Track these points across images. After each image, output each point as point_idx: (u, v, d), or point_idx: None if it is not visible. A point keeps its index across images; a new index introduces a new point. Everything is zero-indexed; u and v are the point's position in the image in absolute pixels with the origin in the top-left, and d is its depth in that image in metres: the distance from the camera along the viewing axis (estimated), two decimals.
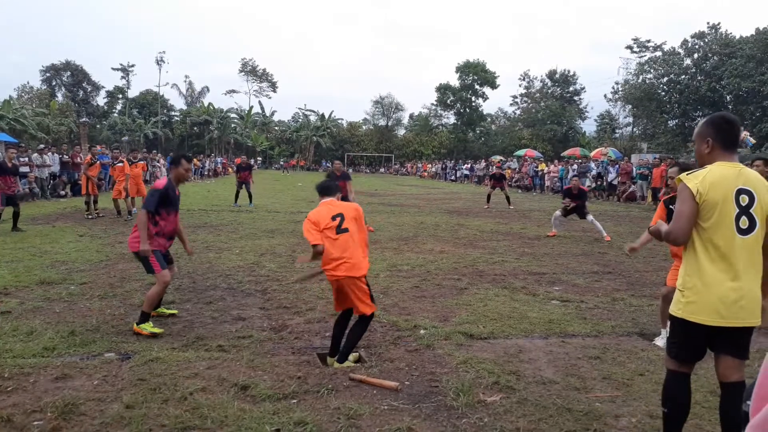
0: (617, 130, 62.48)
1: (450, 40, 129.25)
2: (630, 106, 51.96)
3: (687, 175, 2.85)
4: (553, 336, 5.25)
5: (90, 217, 14.16)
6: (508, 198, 20.28)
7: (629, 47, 50.90)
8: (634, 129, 56.07)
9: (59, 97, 66.88)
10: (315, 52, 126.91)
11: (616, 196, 24.97)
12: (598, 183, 26.89)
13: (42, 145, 25.03)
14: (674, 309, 2.91)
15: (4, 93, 55.78)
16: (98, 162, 16.54)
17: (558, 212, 12.51)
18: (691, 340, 2.88)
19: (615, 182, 25.41)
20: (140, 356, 4.44)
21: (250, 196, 18.54)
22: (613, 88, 55.39)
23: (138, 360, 4.37)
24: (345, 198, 13.76)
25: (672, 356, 2.99)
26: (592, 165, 28.86)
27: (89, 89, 72.01)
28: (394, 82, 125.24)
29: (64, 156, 22.13)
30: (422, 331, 5.23)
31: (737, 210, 2.78)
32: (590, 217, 12.09)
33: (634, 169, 25.08)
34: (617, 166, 25.95)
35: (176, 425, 3.33)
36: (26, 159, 19.47)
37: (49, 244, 9.84)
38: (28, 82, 67.64)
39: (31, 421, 3.36)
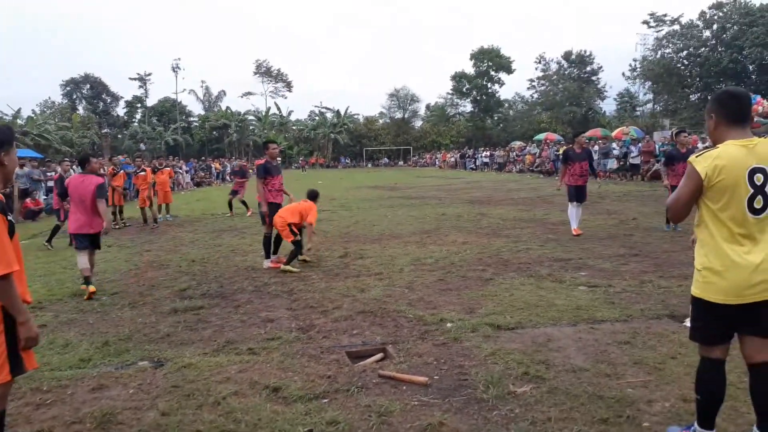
0: (638, 108, 61.41)
1: (463, 27, 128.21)
2: (649, 83, 50.99)
3: (696, 156, 2.81)
4: (582, 323, 5.21)
5: (117, 227, 14.41)
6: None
7: (646, 22, 49.84)
8: (655, 106, 55.03)
9: (80, 110, 68.11)
10: (326, 48, 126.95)
11: (640, 176, 24.60)
12: (621, 163, 26.51)
13: (67, 160, 25.52)
14: (694, 290, 2.88)
15: (27, 109, 57.13)
16: (122, 171, 16.83)
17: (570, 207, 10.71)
18: (713, 321, 2.83)
19: (638, 162, 25.02)
20: (173, 363, 4.53)
21: (243, 203, 16.69)
22: (630, 65, 54.34)
23: (171, 367, 4.45)
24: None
25: (696, 339, 2.96)
26: (614, 145, 28.46)
27: (109, 100, 73.22)
28: (409, 73, 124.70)
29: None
30: (449, 325, 5.24)
31: (751, 191, 2.70)
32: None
33: (657, 146, 24.67)
34: (639, 145, 25.55)
35: (212, 430, 3.39)
36: (52, 173, 19.90)
37: None
38: (49, 98, 68.74)
39: None
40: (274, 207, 8.41)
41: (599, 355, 4.40)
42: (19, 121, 48.95)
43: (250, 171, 19.28)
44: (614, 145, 28.64)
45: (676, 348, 4.44)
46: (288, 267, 8.02)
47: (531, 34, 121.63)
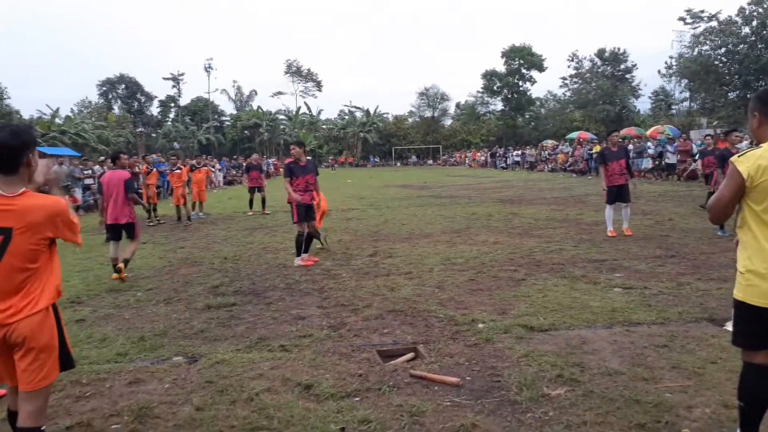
0: (673, 107, 60.02)
1: (494, 25, 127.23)
2: (686, 81, 49.70)
3: (739, 156, 2.73)
4: (617, 325, 5.11)
5: (151, 224, 14.70)
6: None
7: (682, 19, 48.46)
8: (692, 104, 53.66)
9: (116, 109, 69.65)
10: (356, 45, 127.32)
11: (676, 176, 24.03)
12: (657, 163, 25.96)
13: (102, 157, 26.17)
14: (736, 293, 2.79)
15: (65, 109, 59.00)
16: (155, 170, 17.16)
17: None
18: (756, 326, 2.73)
19: (674, 161, 24.45)
20: (207, 359, 4.59)
21: (263, 201, 16.87)
22: (666, 62, 52.94)
23: (205, 363, 4.51)
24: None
25: (738, 344, 2.86)
26: (649, 144, 27.89)
27: (143, 100, 74.73)
28: (439, 71, 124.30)
29: None
30: (480, 325, 5.19)
31: None
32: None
33: (694, 146, 24.07)
34: (675, 144, 24.97)
35: (244, 426, 3.42)
36: (89, 171, 20.41)
37: None
38: (86, 97, 70.46)
39: (109, 426, 3.52)
40: (301, 207, 8.47)
41: (635, 358, 4.31)
42: (57, 121, 50.30)
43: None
44: (649, 144, 28.06)
45: (717, 352, 4.32)
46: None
47: (563, 32, 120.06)
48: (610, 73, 63.58)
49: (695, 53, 45.71)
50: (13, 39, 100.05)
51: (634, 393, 3.67)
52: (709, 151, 14.23)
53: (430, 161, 65.83)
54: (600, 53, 64.08)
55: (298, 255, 8.52)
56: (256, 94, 78.17)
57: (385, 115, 73.18)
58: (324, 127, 74.16)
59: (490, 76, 64.99)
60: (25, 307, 2.59)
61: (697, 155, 22.86)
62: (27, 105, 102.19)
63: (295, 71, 76.99)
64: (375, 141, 68.63)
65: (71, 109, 60.61)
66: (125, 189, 7.89)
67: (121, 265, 7.64)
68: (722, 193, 2.76)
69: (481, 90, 68.13)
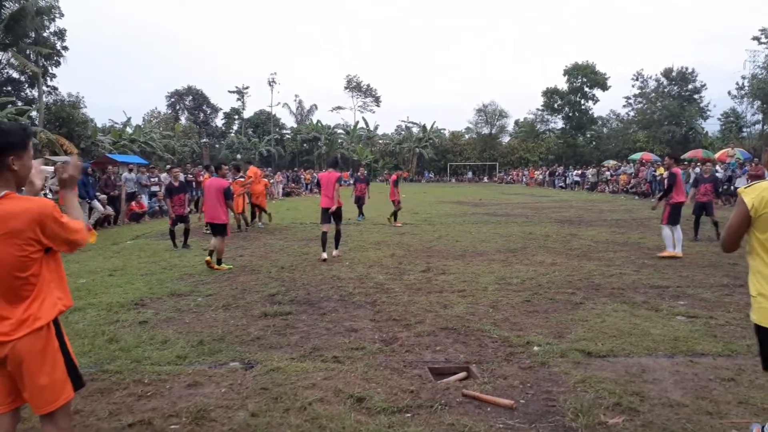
0: (744, 129, 57.39)
1: (557, 43, 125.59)
2: (759, 102, 47.54)
3: (745, 187, 2.91)
4: (680, 355, 4.91)
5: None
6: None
7: (756, 38, 46.52)
8: (765, 127, 51.19)
9: (182, 120, 72.46)
10: (417, 63, 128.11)
11: None
12: (725, 187, 24.86)
13: (169, 166, 27.19)
14: (752, 316, 2.92)
15: (137, 119, 62.26)
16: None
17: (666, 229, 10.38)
18: None
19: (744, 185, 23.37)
20: (262, 366, 4.69)
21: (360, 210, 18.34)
22: (738, 83, 50.85)
23: (260, 369, 4.61)
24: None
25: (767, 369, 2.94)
26: (718, 168, 26.77)
27: (209, 111, 77.52)
28: (498, 88, 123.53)
29: (188, 175, 23.89)
30: (536, 348, 5.09)
31: None
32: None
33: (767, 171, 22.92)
34: (746, 168, 23.88)
35: None
36: (156, 179, 21.25)
37: (177, 257, 10.66)
38: (156, 108, 74.12)
39: (168, 425, 3.65)
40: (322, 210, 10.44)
41: (699, 390, 4.13)
42: (128, 129, 52.77)
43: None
44: (717, 167, 26.92)
45: None
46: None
47: (629, 50, 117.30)
48: (676, 93, 61.52)
49: None
50: (92, 48, 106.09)
51: (698, 427, 3.53)
52: (705, 178, 12.90)
53: (486, 178, 65.26)
54: (666, 73, 62.14)
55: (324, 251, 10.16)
56: (316, 108, 79.95)
57: (441, 131, 73.16)
58: (380, 141, 74.75)
59: (551, 93, 64.08)
60: (24, 322, 2.41)
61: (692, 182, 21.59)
62: (101, 112, 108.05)
63: (354, 86, 78.27)
64: (430, 156, 68.63)
65: (142, 118, 63.59)
66: (224, 196, 9.56)
67: (214, 264, 9.23)
68: (731, 221, 2.94)
69: (541, 107, 67.25)
